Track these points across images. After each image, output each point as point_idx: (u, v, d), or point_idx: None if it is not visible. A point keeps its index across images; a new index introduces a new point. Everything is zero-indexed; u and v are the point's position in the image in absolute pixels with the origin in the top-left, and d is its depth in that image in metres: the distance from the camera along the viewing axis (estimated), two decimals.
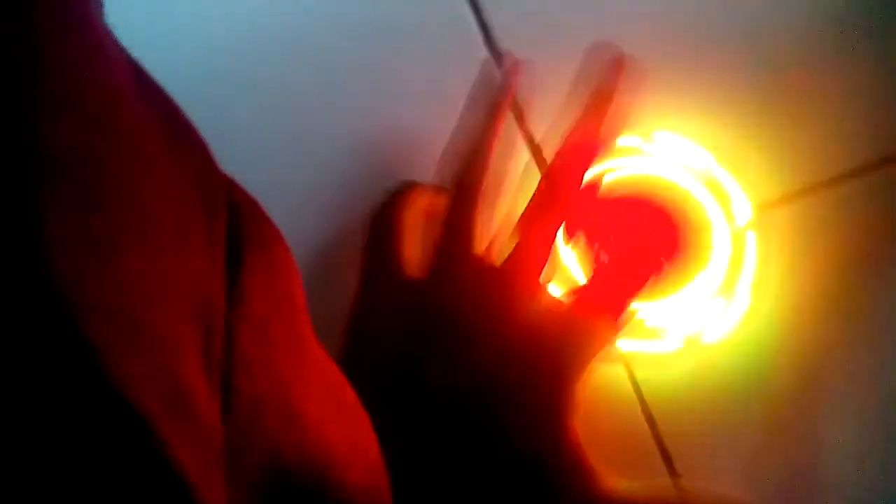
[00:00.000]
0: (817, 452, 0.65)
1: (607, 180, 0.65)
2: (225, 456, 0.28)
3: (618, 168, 0.67)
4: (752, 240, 0.65)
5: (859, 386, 0.66)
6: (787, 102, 0.67)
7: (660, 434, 0.67)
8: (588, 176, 0.62)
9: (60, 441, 0.21)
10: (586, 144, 0.59)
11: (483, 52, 0.69)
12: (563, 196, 0.59)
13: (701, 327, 0.66)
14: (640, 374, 0.67)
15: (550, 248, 0.58)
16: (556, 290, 0.64)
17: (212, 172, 0.35)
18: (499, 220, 0.64)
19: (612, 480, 0.55)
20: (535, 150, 0.69)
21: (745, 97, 0.67)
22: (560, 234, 0.61)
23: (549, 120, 0.66)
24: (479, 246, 0.60)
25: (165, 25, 0.71)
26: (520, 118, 0.69)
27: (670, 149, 0.67)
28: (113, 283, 0.24)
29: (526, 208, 0.60)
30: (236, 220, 0.34)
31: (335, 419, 0.39)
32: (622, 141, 0.66)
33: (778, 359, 0.66)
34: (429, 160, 0.67)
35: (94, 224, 0.23)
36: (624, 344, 0.66)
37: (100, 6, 0.29)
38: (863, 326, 0.66)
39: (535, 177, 0.65)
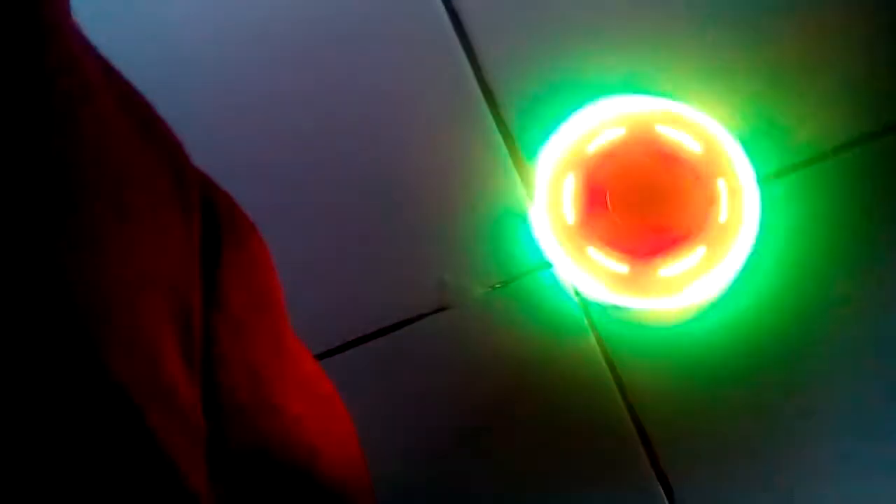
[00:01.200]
0: (812, 420, 0.67)
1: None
2: (207, 448, 0.29)
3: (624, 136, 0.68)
4: (754, 206, 0.67)
5: (855, 349, 0.67)
6: (791, 73, 0.68)
7: (638, 416, 0.68)
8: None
9: (64, 423, 0.23)
10: None
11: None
12: None
13: (700, 290, 0.67)
14: (615, 352, 0.68)
15: None
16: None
17: (186, 169, 0.35)
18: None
19: None
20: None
21: (750, 67, 0.69)
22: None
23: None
24: None
25: (139, 28, 0.71)
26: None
27: (679, 117, 0.68)
28: (100, 283, 0.25)
29: None
30: (212, 215, 0.34)
31: (314, 412, 0.39)
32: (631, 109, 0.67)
33: (774, 322, 0.67)
34: (398, 149, 0.69)
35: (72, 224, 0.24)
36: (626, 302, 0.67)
37: (68, 6, 0.28)
38: (861, 294, 0.67)
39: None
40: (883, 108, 0.68)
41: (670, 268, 0.67)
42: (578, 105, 0.68)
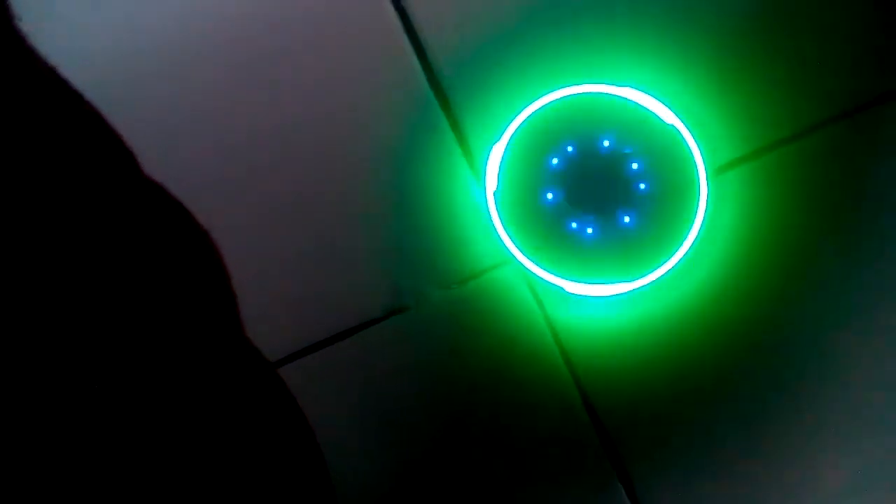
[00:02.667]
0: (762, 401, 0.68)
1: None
2: None
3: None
4: (707, 193, 0.67)
5: (807, 331, 0.68)
6: (745, 62, 0.69)
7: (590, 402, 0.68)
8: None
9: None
10: None
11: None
12: None
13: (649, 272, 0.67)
14: (567, 340, 0.68)
15: None
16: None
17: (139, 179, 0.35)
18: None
19: None
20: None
21: (707, 56, 0.69)
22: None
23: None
24: None
25: (79, 30, 0.69)
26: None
27: (636, 103, 0.68)
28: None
29: None
30: (165, 222, 0.35)
31: None
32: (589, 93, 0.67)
33: (727, 308, 0.68)
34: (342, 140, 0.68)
35: None
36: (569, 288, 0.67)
37: (14, 16, 0.28)
38: (813, 279, 0.68)
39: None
40: (837, 95, 0.69)
41: (623, 255, 0.67)
42: (530, 99, 0.68)
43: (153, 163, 0.37)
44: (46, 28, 0.64)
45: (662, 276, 0.67)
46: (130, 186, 0.35)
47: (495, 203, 0.67)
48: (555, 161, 0.68)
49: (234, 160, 0.69)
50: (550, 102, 0.68)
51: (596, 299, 0.68)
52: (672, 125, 0.67)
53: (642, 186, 0.67)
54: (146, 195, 0.36)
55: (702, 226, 0.67)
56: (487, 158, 0.68)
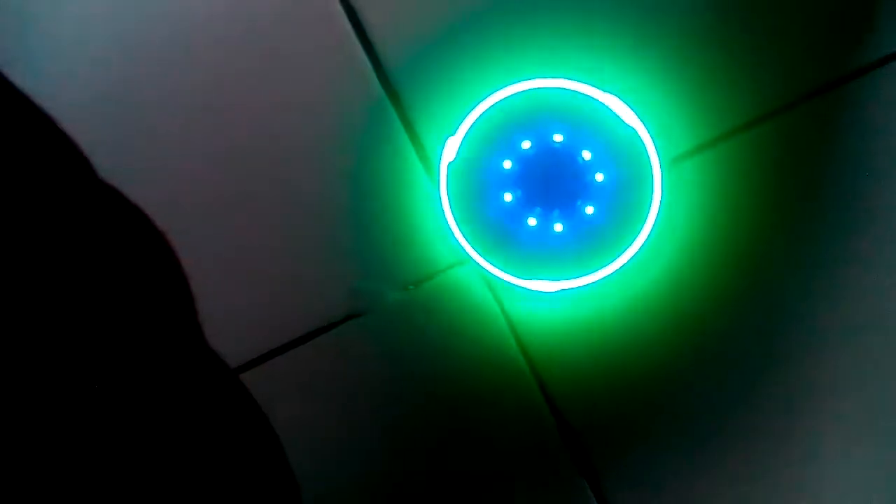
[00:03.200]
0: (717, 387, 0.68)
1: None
2: None
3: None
4: (660, 184, 0.66)
5: (763, 320, 0.68)
6: (698, 51, 0.68)
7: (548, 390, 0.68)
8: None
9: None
10: None
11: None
12: None
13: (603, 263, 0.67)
14: (523, 331, 0.68)
15: None
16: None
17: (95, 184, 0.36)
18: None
19: None
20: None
21: (659, 46, 0.68)
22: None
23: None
24: None
25: (33, 39, 0.69)
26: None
27: (588, 96, 0.67)
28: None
29: None
30: (124, 227, 0.35)
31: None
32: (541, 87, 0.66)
33: (681, 299, 0.68)
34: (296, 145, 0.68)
35: None
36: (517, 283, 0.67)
37: None
38: (769, 269, 0.68)
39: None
40: (790, 83, 0.68)
41: (581, 250, 0.67)
42: (482, 96, 0.67)
43: (108, 170, 0.37)
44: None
45: (619, 268, 0.67)
46: (85, 190, 0.35)
47: (450, 202, 0.67)
48: (508, 160, 0.67)
49: (187, 164, 0.69)
50: (503, 98, 0.67)
51: (555, 295, 0.68)
52: (626, 119, 0.67)
53: (598, 179, 0.67)
54: (101, 199, 0.36)
55: (658, 217, 0.66)
56: (440, 158, 0.67)
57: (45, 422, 0.33)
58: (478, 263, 0.67)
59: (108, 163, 0.55)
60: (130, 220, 0.38)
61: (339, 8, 0.68)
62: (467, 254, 0.67)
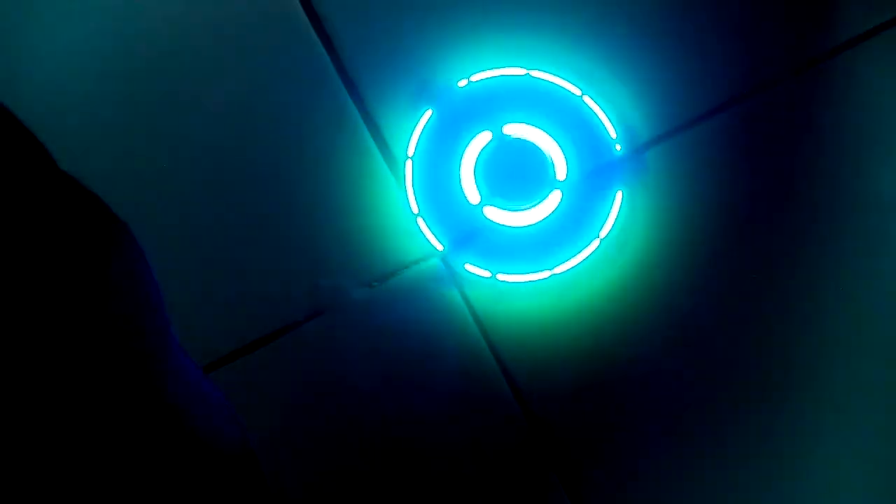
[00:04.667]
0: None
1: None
2: None
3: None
4: (620, 177, 0.68)
5: (727, 308, 0.69)
6: (657, 42, 0.68)
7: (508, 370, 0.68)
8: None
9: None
10: None
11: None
12: None
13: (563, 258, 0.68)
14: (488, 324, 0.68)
15: None
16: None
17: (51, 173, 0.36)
18: None
19: None
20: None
21: (619, 37, 0.69)
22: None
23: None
24: None
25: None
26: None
27: (552, 87, 0.68)
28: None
29: None
30: (81, 219, 0.35)
31: (198, 408, 0.43)
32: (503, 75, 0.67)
33: (641, 290, 0.68)
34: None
35: None
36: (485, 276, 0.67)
37: None
38: (729, 259, 0.69)
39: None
40: (749, 72, 0.69)
41: (545, 242, 0.68)
42: (443, 89, 0.68)
43: (69, 164, 0.36)
44: None
45: (583, 259, 0.67)
46: (43, 181, 0.35)
47: (415, 196, 0.67)
48: (472, 149, 0.68)
49: (151, 167, 0.68)
50: (465, 86, 0.67)
51: (521, 287, 0.68)
52: (589, 109, 0.68)
53: (560, 173, 0.68)
54: (60, 189, 0.36)
55: (621, 207, 0.67)
56: (406, 152, 0.67)
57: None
58: (448, 260, 0.67)
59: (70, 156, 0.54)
60: (89, 207, 0.37)
61: (296, 1, 0.68)
62: (432, 249, 0.67)
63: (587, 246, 0.68)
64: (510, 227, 0.68)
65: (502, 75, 0.68)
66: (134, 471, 0.37)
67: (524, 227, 0.68)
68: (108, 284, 0.37)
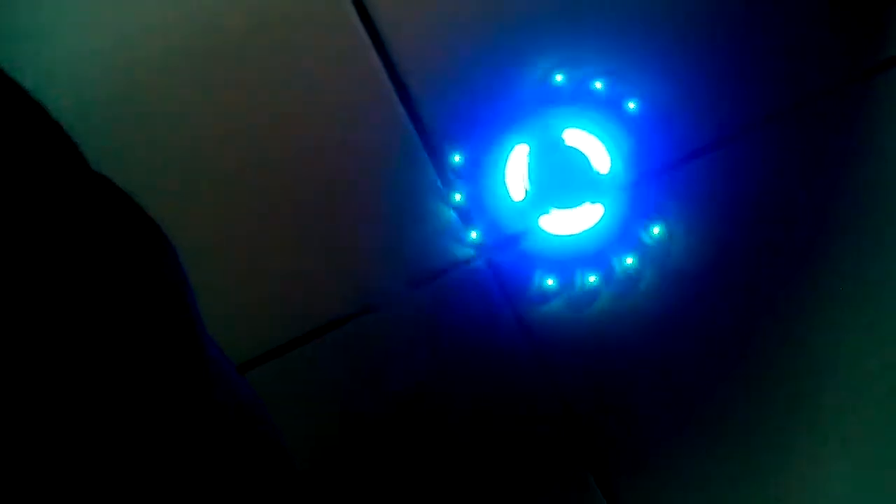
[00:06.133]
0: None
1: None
2: None
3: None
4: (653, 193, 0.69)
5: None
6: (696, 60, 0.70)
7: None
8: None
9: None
10: None
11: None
12: None
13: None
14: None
15: None
16: None
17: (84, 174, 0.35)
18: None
19: None
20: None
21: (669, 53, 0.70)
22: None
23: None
24: None
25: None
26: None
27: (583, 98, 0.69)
28: None
29: None
30: (119, 221, 0.34)
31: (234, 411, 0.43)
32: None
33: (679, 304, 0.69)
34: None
35: None
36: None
37: None
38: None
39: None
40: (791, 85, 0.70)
41: (589, 248, 0.68)
42: (492, 97, 0.68)
43: (103, 164, 0.36)
44: None
45: (626, 265, 0.68)
46: (75, 181, 0.34)
47: (466, 200, 0.68)
48: (518, 156, 0.68)
49: (197, 165, 0.68)
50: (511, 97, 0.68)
51: (562, 291, 0.68)
52: (627, 121, 0.69)
53: (603, 174, 0.68)
54: (92, 189, 0.35)
55: (661, 215, 0.68)
56: (453, 153, 0.68)
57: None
58: (488, 259, 0.67)
59: (105, 159, 0.54)
60: (122, 208, 0.37)
61: (350, 7, 0.69)
62: (477, 250, 0.67)
63: (629, 254, 0.68)
64: (555, 234, 0.68)
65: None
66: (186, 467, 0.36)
67: (569, 235, 0.68)
68: (152, 287, 0.37)
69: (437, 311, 0.68)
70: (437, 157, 0.68)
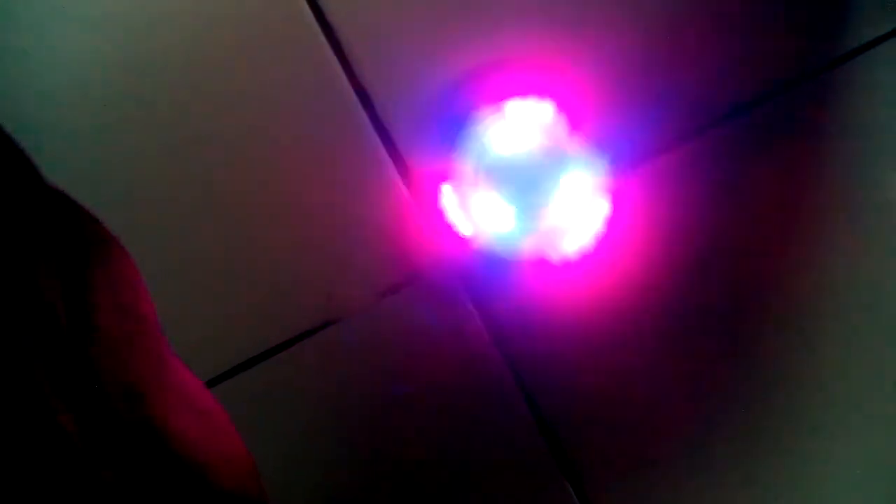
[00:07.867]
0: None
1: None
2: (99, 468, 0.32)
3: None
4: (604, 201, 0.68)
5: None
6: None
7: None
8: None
9: None
10: None
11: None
12: None
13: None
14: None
15: None
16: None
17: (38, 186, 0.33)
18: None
19: None
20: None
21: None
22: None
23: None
24: None
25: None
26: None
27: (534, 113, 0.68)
28: None
29: None
30: (72, 231, 0.33)
31: (199, 426, 0.38)
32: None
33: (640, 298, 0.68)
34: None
35: None
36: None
37: None
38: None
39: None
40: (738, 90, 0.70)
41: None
42: (455, 102, 0.68)
43: (58, 175, 0.35)
44: None
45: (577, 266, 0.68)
46: (30, 194, 0.33)
47: (443, 202, 0.67)
48: (481, 159, 0.68)
49: (156, 175, 0.67)
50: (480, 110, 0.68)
51: (533, 297, 0.68)
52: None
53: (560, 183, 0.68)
54: (47, 203, 0.34)
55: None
56: (419, 159, 0.67)
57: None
58: (457, 269, 0.67)
59: (59, 171, 0.53)
60: (77, 220, 0.36)
61: (307, 11, 0.68)
62: (445, 259, 0.67)
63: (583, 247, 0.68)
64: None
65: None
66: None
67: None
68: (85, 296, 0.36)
69: (405, 320, 0.67)
70: (402, 164, 0.68)
